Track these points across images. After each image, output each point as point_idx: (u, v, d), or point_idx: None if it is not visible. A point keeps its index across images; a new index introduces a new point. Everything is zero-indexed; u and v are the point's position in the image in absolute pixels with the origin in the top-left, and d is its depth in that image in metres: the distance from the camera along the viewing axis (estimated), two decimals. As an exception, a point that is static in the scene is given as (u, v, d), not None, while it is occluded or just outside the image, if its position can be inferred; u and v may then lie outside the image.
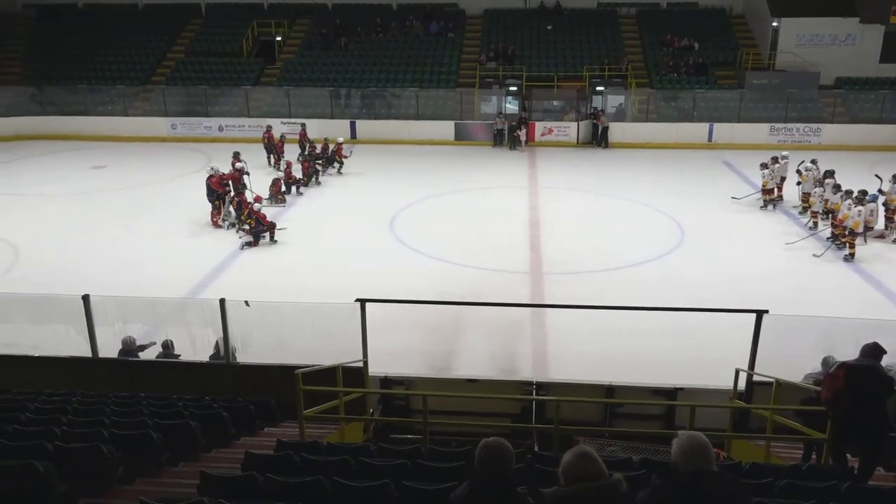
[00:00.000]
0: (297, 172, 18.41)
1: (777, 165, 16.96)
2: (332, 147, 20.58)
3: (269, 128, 21.64)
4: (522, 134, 23.82)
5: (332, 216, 16.14)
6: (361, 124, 25.11)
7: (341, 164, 20.39)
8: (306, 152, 19.56)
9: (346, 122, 24.97)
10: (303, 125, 22.37)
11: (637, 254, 13.48)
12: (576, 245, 14.11)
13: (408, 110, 25.59)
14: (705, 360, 9.03)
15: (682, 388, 7.52)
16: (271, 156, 20.76)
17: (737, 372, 7.23)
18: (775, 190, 16.64)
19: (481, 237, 14.54)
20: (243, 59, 27.72)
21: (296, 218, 15.87)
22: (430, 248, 13.89)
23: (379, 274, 12.48)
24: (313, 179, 18.51)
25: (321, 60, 27.32)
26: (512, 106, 26.64)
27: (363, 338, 7.13)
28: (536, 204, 17.25)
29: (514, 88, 26.10)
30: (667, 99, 25.36)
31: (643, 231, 15.07)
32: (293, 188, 17.58)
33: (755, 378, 7.15)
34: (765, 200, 16.93)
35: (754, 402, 7.17)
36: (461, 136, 24.65)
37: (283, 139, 21.04)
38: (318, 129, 22.60)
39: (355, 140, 24.63)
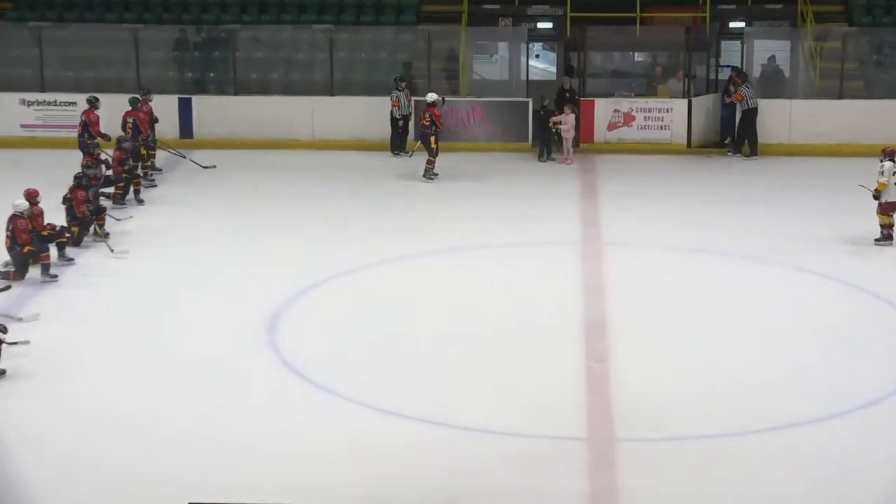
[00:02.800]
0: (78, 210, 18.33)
1: None
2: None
3: (132, 99, 22.61)
4: (565, 125, 24.01)
5: (134, 311, 15.98)
6: (205, 105, 25.54)
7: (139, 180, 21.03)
8: (83, 168, 19.63)
9: (171, 100, 25.24)
10: (142, 94, 22.93)
11: (821, 393, 13.23)
12: (684, 374, 13.86)
13: (311, 76, 26.15)
14: None
15: None
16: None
17: None
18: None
19: (479, 359, 14.36)
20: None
21: (50, 318, 15.55)
22: (364, 386, 13.55)
23: (242, 450, 12.31)
24: (93, 229, 18.50)
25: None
26: (543, 65, 27.07)
27: None
28: (598, 283, 17.21)
29: (549, 26, 26.67)
30: (884, 52, 26.09)
31: (832, 339, 14.94)
32: (57, 249, 17.45)
33: None
34: (881, 228, 18.60)
35: None
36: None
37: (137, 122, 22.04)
38: (108, 114, 22.80)
39: (191, 140, 24.96)
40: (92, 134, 21.73)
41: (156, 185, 22.24)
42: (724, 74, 25.65)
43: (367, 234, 19.51)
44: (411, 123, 24.62)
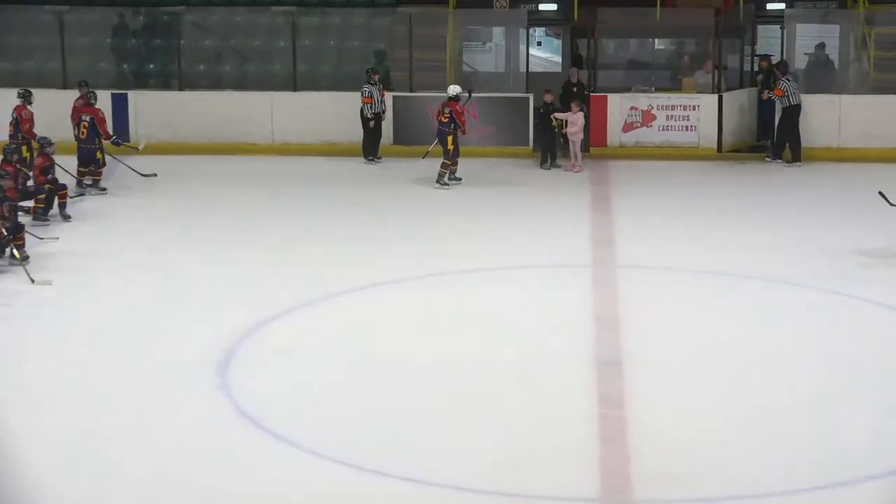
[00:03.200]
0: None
1: None
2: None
3: (86, 94, 22.94)
4: (572, 126, 24.00)
5: (60, 348, 15.72)
6: (143, 102, 25.68)
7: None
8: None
9: (103, 96, 24.83)
10: (83, 87, 23.16)
11: (874, 446, 12.90)
12: (714, 422, 13.63)
13: (269, 67, 26.47)
14: None
15: None
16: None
17: None
18: None
19: (471, 405, 14.13)
20: None
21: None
22: (334, 436, 13.39)
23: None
24: (10, 251, 18.41)
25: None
26: (545, 54, 27.15)
27: None
28: (613, 313, 17.18)
29: (552, 8, 26.76)
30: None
31: (880, 377, 14.76)
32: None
33: None
34: None
35: None
36: (411, 136, 25.33)
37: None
38: (40, 113, 22.85)
39: (127, 144, 24.63)
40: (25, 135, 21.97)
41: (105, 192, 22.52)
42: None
43: (339, 256, 19.50)
44: (388, 124, 24.91)
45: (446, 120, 22.84)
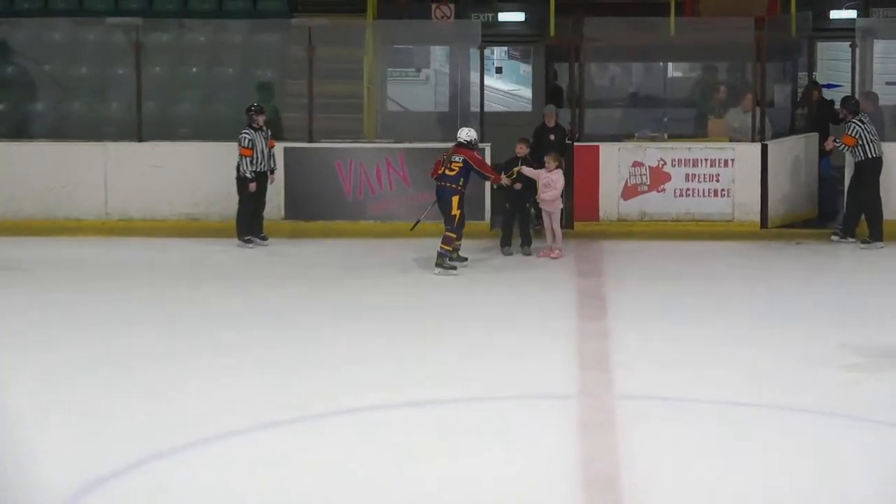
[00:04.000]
0: None
1: None
2: None
3: None
4: (548, 191, 24.09)
5: None
6: None
7: None
8: None
9: None
10: None
11: None
12: None
13: (103, 107, 26.93)
14: None
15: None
16: None
17: None
18: None
19: None
20: None
21: None
22: None
23: None
24: None
25: None
26: (509, 86, 27.44)
27: None
28: (608, 466, 16.60)
29: (518, 18, 27.28)
30: None
31: None
32: None
33: None
34: None
35: None
36: (310, 206, 25.75)
37: None
38: None
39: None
40: None
41: None
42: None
43: (213, 386, 18.99)
44: (277, 188, 24.99)
45: (453, 173, 23.08)
